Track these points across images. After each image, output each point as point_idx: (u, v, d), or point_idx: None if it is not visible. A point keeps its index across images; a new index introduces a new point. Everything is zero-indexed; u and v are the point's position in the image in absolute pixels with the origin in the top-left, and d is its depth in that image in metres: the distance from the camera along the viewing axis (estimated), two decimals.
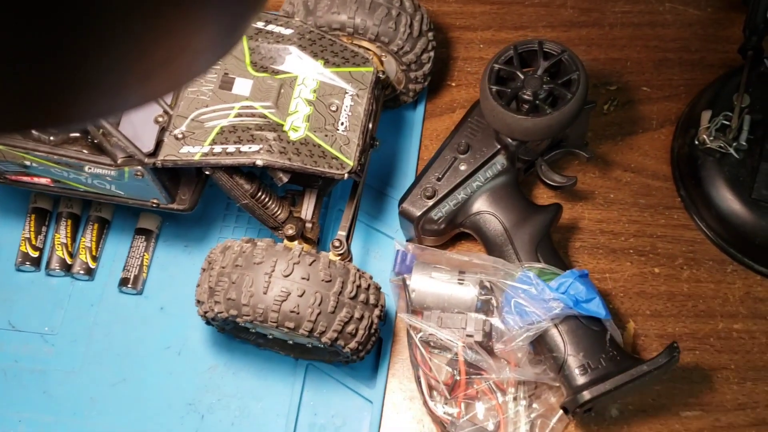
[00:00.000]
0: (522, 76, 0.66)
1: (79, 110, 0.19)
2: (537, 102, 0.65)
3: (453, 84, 0.83)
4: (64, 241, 0.75)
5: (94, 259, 0.75)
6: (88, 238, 0.75)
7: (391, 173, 0.78)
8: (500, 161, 0.69)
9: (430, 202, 0.69)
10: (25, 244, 0.75)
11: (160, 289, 0.75)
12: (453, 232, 0.72)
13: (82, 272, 0.74)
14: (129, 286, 0.73)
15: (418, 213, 0.69)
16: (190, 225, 0.77)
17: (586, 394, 0.60)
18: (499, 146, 0.69)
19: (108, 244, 0.77)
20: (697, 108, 0.76)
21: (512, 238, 0.68)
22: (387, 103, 0.78)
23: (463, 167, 0.69)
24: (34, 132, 0.61)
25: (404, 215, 0.70)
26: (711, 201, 0.72)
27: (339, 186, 0.77)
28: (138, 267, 0.74)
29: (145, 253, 0.74)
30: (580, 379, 0.62)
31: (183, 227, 0.77)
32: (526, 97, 0.65)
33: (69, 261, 0.75)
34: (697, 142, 0.73)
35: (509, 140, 0.67)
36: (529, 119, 0.63)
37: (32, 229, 0.75)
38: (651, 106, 0.80)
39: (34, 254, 0.75)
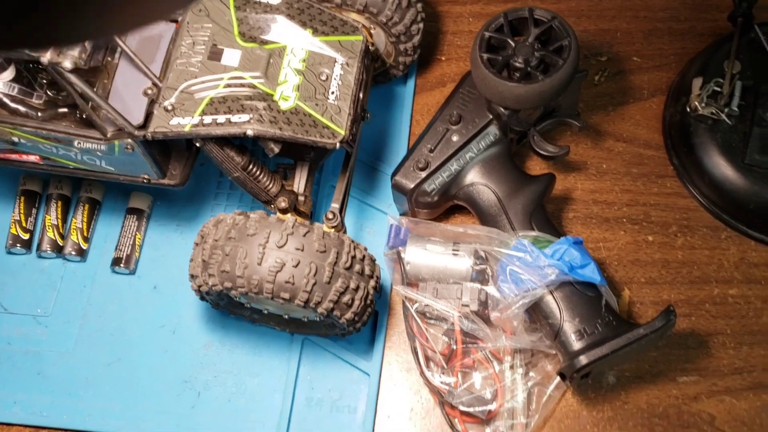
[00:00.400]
0: (513, 44, 0.66)
1: (65, 28, 0.19)
2: (529, 69, 0.65)
3: (443, 58, 0.83)
4: (55, 222, 0.74)
5: (86, 239, 0.74)
6: (79, 219, 0.74)
7: (383, 148, 0.78)
8: (492, 132, 0.69)
9: (423, 174, 0.68)
10: (15, 227, 0.74)
11: (152, 269, 0.74)
12: (446, 204, 0.72)
13: (73, 253, 0.73)
14: (122, 265, 0.73)
15: (411, 185, 0.69)
16: (182, 204, 0.77)
17: (583, 359, 0.60)
18: (491, 116, 0.68)
19: (99, 225, 0.76)
20: (687, 76, 0.76)
21: (506, 208, 0.67)
22: (377, 78, 0.77)
23: (455, 138, 0.69)
24: (21, 107, 0.60)
25: (397, 188, 0.70)
26: (704, 168, 0.72)
27: (330, 162, 0.77)
28: (130, 247, 0.73)
29: (137, 233, 0.74)
30: (577, 345, 0.62)
31: (174, 207, 0.77)
32: (517, 64, 0.65)
33: (60, 242, 0.74)
34: (688, 110, 0.73)
35: (501, 109, 0.66)
36: (521, 86, 0.63)
37: (22, 211, 0.75)
38: (642, 76, 0.80)
39: (25, 236, 0.74)
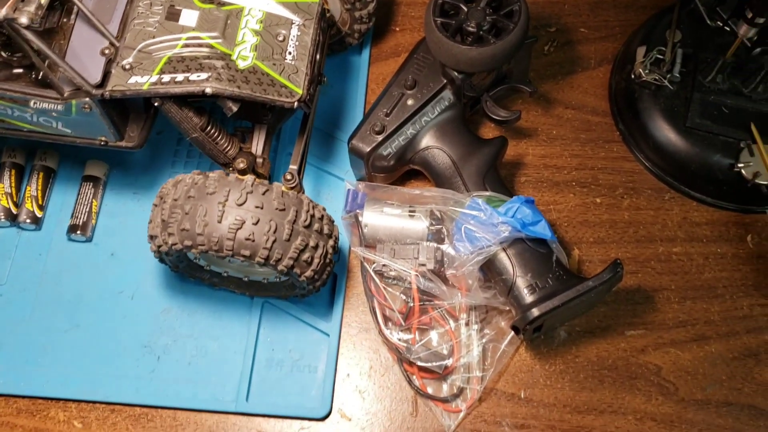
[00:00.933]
0: (465, 9, 0.67)
1: None
2: (481, 33, 0.66)
3: (397, 29, 0.84)
4: (9, 191, 0.74)
5: (41, 208, 0.74)
6: (33, 187, 0.74)
7: (339, 116, 0.79)
8: (447, 96, 0.71)
9: (380, 138, 0.70)
10: None
11: (109, 236, 0.74)
12: (402, 168, 0.73)
13: (28, 221, 0.73)
14: (78, 233, 0.72)
15: (368, 148, 0.70)
16: (138, 172, 0.77)
17: (535, 311, 0.62)
18: (445, 81, 0.70)
19: (54, 194, 0.76)
20: (632, 45, 0.79)
21: (460, 170, 0.69)
22: (333, 47, 0.79)
23: (410, 102, 0.70)
24: None
25: (354, 152, 0.71)
26: (648, 132, 0.75)
27: (287, 130, 0.78)
28: (86, 214, 0.73)
29: (94, 200, 0.74)
30: (529, 298, 0.64)
31: (131, 175, 0.77)
32: (470, 29, 0.66)
33: (14, 210, 0.73)
34: (633, 77, 0.76)
35: (455, 73, 0.68)
36: (474, 49, 0.65)
37: None
38: (589, 46, 0.83)
39: None
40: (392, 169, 0.72)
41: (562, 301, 0.62)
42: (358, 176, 0.75)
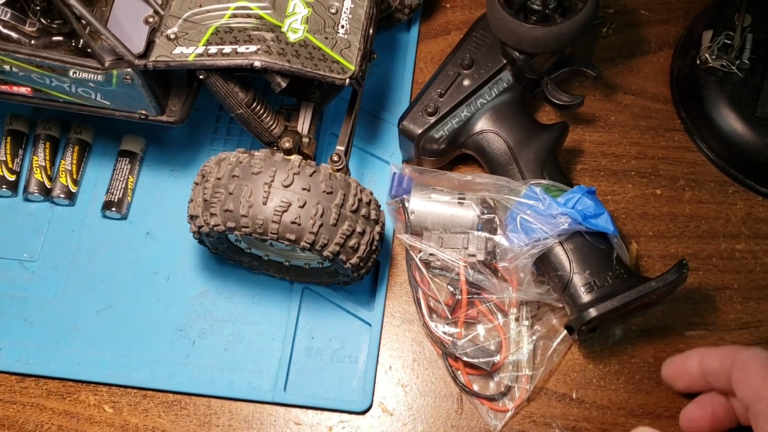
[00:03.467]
0: None
1: None
2: (547, 11, 0.62)
3: (448, 5, 0.80)
4: (43, 164, 0.71)
5: (75, 182, 0.71)
6: (68, 161, 0.71)
7: (385, 96, 0.76)
8: (506, 77, 0.67)
9: (432, 119, 0.66)
10: (0, 168, 0.71)
11: (145, 214, 0.71)
12: (454, 153, 0.70)
13: (62, 196, 0.70)
14: (113, 209, 0.70)
15: (419, 131, 0.66)
16: (176, 149, 0.74)
17: (593, 311, 0.59)
18: (504, 61, 0.66)
19: (89, 169, 0.73)
20: (696, 29, 0.75)
21: (517, 156, 0.65)
22: (380, 23, 0.75)
23: (466, 83, 0.66)
24: (13, 34, 0.57)
25: (404, 133, 0.67)
26: (713, 121, 0.71)
27: (330, 111, 0.75)
28: (122, 190, 0.70)
29: (130, 177, 0.71)
30: (586, 297, 0.61)
31: (168, 152, 0.74)
32: (535, 6, 0.62)
33: (48, 185, 0.71)
34: (698, 62, 0.71)
35: (516, 54, 0.64)
36: (539, 28, 0.61)
37: (8, 151, 0.71)
38: (649, 29, 0.79)
39: (11, 177, 0.71)
40: (443, 153, 0.68)
41: (622, 302, 0.59)
42: (406, 157, 0.72)
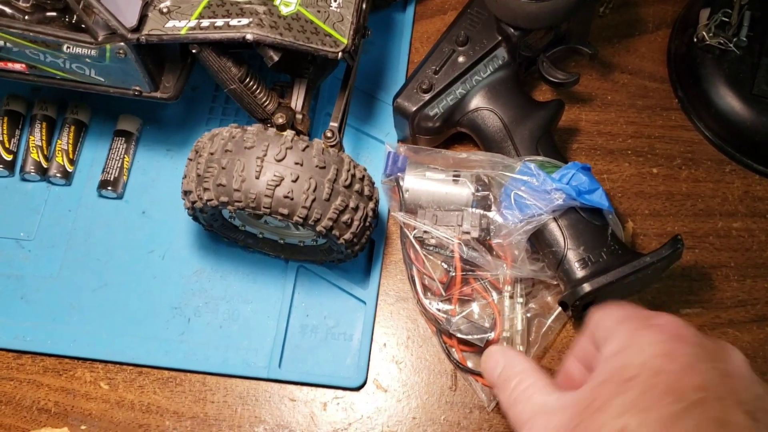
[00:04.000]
0: None
1: None
2: None
3: None
4: (39, 144, 0.71)
5: (72, 162, 0.71)
6: (64, 141, 0.71)
7: (381, 76, 0.75)
8: (501, 54, 0.66)
9: (427, 96, 0.66)
10: None
11: (141, 193, 0.71)
12: (449, 131, 0.69)
13: (58, 176, 0.70)
14: (109, 189, 0.70)
15: (414, 108, 0.66)
16: (172, 129, 0.74)
17: (587, 286, 0.59)
18: (500, 38, 0.66)
19: (85, 149, 0.73)
20: (694, 7, 0.74)
21: (512, 134, 0.65)
22: (375, 2, 0.75)
23: (461, 59, 0.66)
24: (7, 9, 0.57)
25: (399, 111, 0.67)
26: (710, 99, 0.70)
27: (325, 90, 0.75)
28: (118, 170, 0.70)
29: (126, 156, 0.71)
30: (580, 272, 0.60)
31: (164, 131, 0.74)
32: None
33: (45, 164, 0.71)
34: (695, 40, 0.71)
35: (511, 30, 0.64)
36: (533, 3, 0.61)
37: (5, 131, 0.71)
38: (647, 9, 0.78)
39: (8, 157, 0.71)
40: (438, 131, 0.68)
41: (616, 276, 0.58)
42: (401, 136, 0.71)
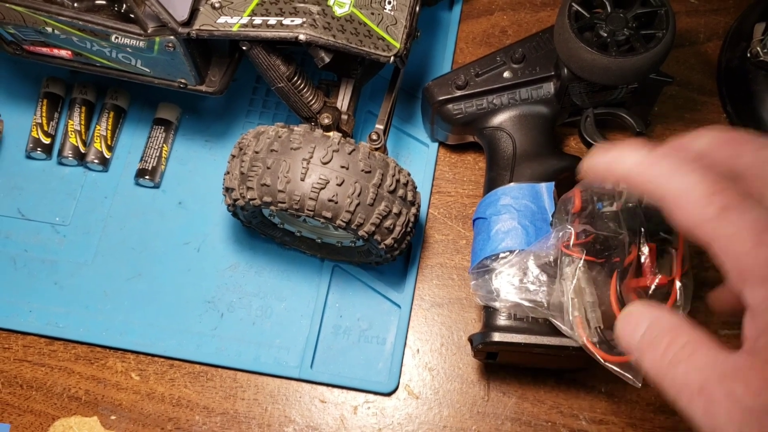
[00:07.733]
0: (609, 9, 0.59)
1: None
2: (608, 42, 0.59)
3: None
4: (78, 128, 0.71)
5: (110, 149, 0.71)
6: (103, 126, 0.71)
7: (424, 75, 0.74)
8: (548, 88, 0.64)
9: (458, 93, 0.64)
10: (36, 130, 0.70)
11: (178, 184, 0.71)
12: (464, 134, 0.68)
13: (96, 161, 0.70)
14: (146, 177, 0.69)
15: (440, 98, 0.64)
16: (212, 120, 0.73)
17: (496, 336, 0.56)
18: (553, 73, 0.64)
19: (123, 135, 0.73)
20: (748, 21, 0.72)
21: (514, 166, 0.62)
22: (423, 0, 0.73)
23: (507, 74, 0.64)
24: None
25: (426, 94, 0.65)
26: (760, 117, 0.69)
27: (369, 86, 0.73)
28: (156, 158, 0.70)
29: (164, 145, 0.70)
30: (501, 321, 0.57)
31: (204, 121, 0.73)
32: (601, 32, 0.59)
33: (82, 149, 0.70)
34: (749, 55, 0.70)
35: (566, 71, 0.61)
36: (597, 56, 0.57)
37: (44, 114, 0.71)
38: (698, 19, 0.76)
39: (46, 140, 0.71)
40: (455, 129, 0.67)
41: (524, 341, 0.55)
42: (425, 120, 0.70)
